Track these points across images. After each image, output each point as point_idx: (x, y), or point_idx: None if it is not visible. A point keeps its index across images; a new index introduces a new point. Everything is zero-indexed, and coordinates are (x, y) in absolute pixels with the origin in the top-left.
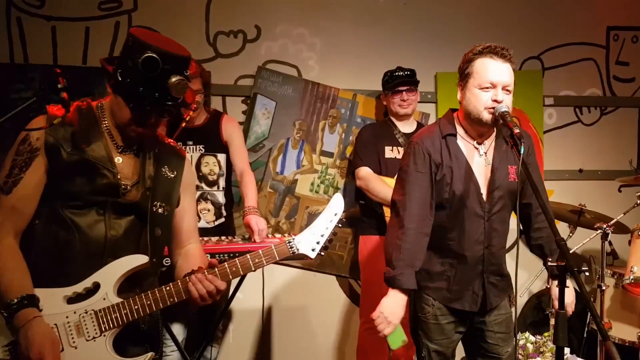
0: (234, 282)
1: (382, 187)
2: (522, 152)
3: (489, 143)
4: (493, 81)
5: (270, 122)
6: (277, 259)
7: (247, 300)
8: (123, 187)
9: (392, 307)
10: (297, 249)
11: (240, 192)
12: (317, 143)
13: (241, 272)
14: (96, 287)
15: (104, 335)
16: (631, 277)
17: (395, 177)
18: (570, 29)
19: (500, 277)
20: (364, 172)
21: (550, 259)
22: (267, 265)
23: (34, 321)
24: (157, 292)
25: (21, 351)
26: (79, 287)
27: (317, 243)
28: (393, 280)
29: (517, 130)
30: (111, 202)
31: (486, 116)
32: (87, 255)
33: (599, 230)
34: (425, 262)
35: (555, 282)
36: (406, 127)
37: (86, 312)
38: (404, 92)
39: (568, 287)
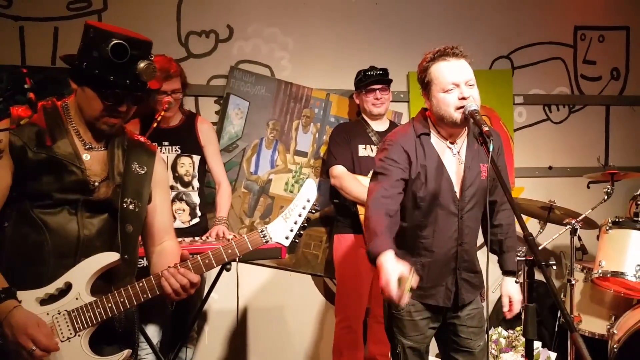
0: (208, 282)
1: (356, 185)
2: (491, 149)
3: (461, 142)
4: (454, 81)
5: (243, 122)
6: (251, 248)
7: (222, 301)
8: (92, 183)
9: (385, 270)
10: (271, 238)
11: (215, 200)
12: (291, 143)
13: (214, 264)
14: (68, 287)
15: (79, 335)
16: (599, 271)
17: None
18: (539, 28)
19: (473, 274)
20: (338, 170)
21: (504, 256)
22: (241, 256)
23: (15, 310)
24: (130, 289)
25: (9, 342)
26: (51, 288)
27: (291, 230)
28: (369, 255)
29: (486, 129)
30: (82, 200)
31: (457, 116)
32: (59, 256)
33: (568, 226)
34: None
35: (507, 279)
36: (379, 125)
37: (59, 313)
38: (377, 91)
39: (518, 282)
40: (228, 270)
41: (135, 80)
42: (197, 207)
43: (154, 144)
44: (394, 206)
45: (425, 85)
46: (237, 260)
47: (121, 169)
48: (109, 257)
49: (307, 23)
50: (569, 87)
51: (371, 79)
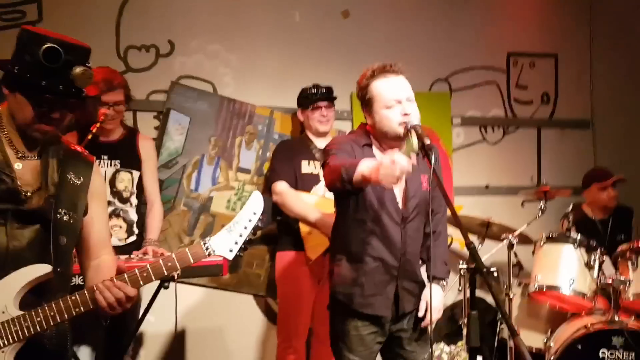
0: (144, 303)
1: (299, 202)
2: (433, 161)
3: None
4: (396, 98)
5: (184, 138)
6: (192, 262)
7: (159, 323)
8: (23, 193)
9: (375, 165)
10: (214, 250)
11: (145, 221)
12: (234, 159)
13: (153, 278)
14: None
15: (3, 352)
16: (536, 285)
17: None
18: (474, 53)
19: (415, 283)
20: (281, 187)
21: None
22: (180, 271)
23: None
24: (61, 302)
25: None
26: None
27: (235, 243)
28: (347, 176)
29: (428, 142)
30: (12, 210)
31: (401, 131)
32: None
33: (506, 240)
34: (343, 267)
35: (428, 285)
36: (324, 143)
37: None
38: (323, 108)
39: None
40: (166, 288)
41: (69, 86)
42: (135, 225)
43: (91, 155)
44: None
45: (367, 102)
46: (176, 278)
47: (55, 179)
48: (40, 270)
49: (252, 41)
50: (503, 110)
51: (318, 96)
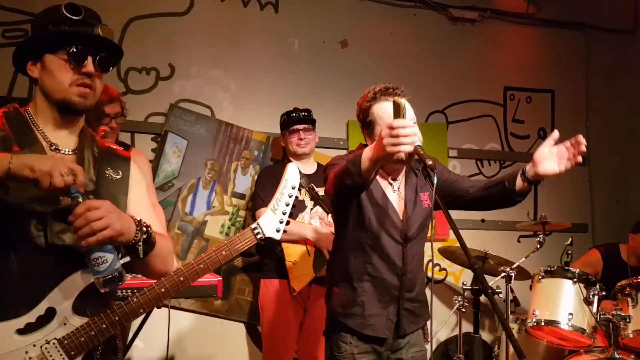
0: (133, 327)
1: (290, 224)
2: (435, 182)
3: (401, 178)
4: None
5: (181, 161)
6: (245, 247)
7: (148, 349)
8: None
9: (379, 141)
10: (264, 233)
11: None
12: (229, 184)
13: (210, 269)
14: (51, 313)
15: None
16: (534, 320)
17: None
18: (471, 87)
19: (417, 303)
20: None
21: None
22: (234, 257)
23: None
24: (124, 306)
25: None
26: (31, 317)
27: (280, 222)
28: (358, 161)
29: (429, 162)
30: (52, 212)
31: (402, 155)
32: (26, 276)
33: (503, 273)
34: (344, 287)
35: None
36: (306, 168)
37: (48, 343)
38: (301, 131)
39: None
40: (159, 307)
41: (96, 37)
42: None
43: (126, 151)
44: None
45: (368, 124)
46: (169, 305)
47: (93, 176)
48: (91, 275)
49: (251, 67)
50: (500, 144)
51: (294, 119)
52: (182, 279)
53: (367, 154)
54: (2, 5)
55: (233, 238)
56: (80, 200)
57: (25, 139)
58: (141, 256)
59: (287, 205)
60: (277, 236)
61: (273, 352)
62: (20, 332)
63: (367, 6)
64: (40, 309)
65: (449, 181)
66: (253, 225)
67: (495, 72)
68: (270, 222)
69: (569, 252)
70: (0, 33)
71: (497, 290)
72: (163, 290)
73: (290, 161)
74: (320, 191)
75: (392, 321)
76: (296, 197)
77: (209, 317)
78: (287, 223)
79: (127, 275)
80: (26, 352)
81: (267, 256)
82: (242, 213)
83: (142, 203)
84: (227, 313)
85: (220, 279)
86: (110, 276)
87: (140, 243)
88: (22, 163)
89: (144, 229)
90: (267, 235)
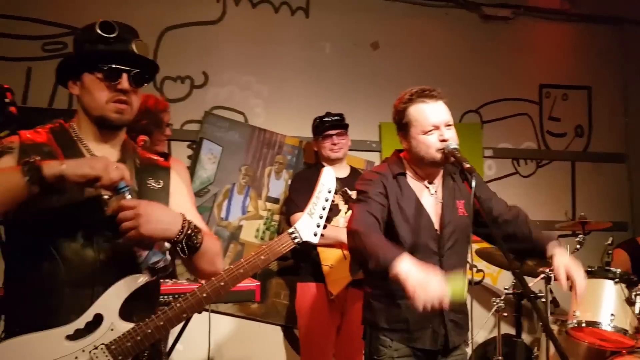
0: (174, 330)
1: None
2: (473, 185)
3: (438, 182)
4: (434, 123)
5: (216, 167)
6: (283, 252)
7: (188, 352)
8: (105, 196)
9: (414, 274)
10: (302, 238)
11: None
12: (263, 189)
13: (250, 273)
14: (98, 319)
15: None
16: (574, 321)
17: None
18: (506, 85)
19: (461, 315)
20: (299, 217)
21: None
22: (273, 261)
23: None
24: (168, 311)
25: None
26: (80, 323)
27: (318, 226)
28: (382, 266)
29: (467, 165)
30: (98, 223)
31: (439, 157)
32: (74, 286)
33: (543, 275)
34: (384, 303)
35: (557, 250)
36: (339, 171)
37: (96, 348)
38: (334, 137)
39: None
40: (200, 312)
41: (130, 54)
42: (167, 252)
43: (166, 161)
44: (379, 226)
45: (403, 126)
46: (210, 309)
47: (135, 186)
48: (138, 280)
49: (282, 72)
50: (536, 142)
51: (327, 124)
52: (222, 283)
53: (402, 269)
54: (41, 19)
55: (271, 243)
56: (128, 195)
57: (71, 153)
58: (183, 255)
59: (323, 209)
60: (315, 240)
61: (311, 356)
62: (70, 338)
63: (398, 7)
64: (88, 315)
65: (483, 199)
66: (290, 230)
67: (530, 70)
68: (307, 226)
69: (610, 252)
70: (40, 46)
71: (539, 295)
72: (205, 295)
73: (323, 165)
74: (354, 195)
75: (439, 333)
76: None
77: (245, 320)
78: (325, 227)
79: (168, 280)
80: (75, 358)
81: (303, 260)
82: (277, 217)
83: (184, 208)
84: (264, 316)
85: (259, 283)
86: (152, 267)
87: (182, 244)
88: (77, 164)
89: (189, 231)
90: (304, 239)
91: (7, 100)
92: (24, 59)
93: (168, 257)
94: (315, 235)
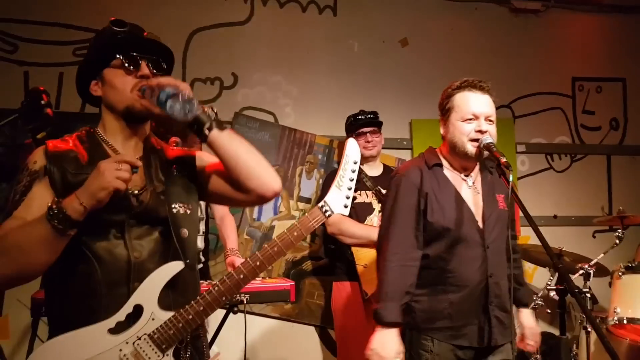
0: (210, 332)
1: (357, 227)
2: (510, 179)
3: (475, 174)
4: (475, 112)
5: None
6: (315, 226)
7: (225, 354)
8: (131, 192)
9: (381, 342)
10: (332, 210)
11: (220, 236)
12: (295, 189)
13: (284, 251)
14: (139, 310)
15: (167, 355)
16: (615, 318)
17: (381, 214)
18: (538, 79)
19: (505, 313)
20: (333, 217)
21: (522, 289)
22: (305, 237)
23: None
24: (207, 295)
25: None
26: (121, 316)
27: (347, 198)
28: (376, 315)
29: (504, 159)
30: (128, 220)
31: (470, 149)
32: (110, 285)
33: (581, 271)
34: (425, 302)
35: (525, 311)
36: (373, 170)
37: (139, 339)
38: (368, 134)
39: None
40: (235, 313)
41: (144, 40)
42: (201, 253)
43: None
44: (415, 254)
45: (445, 111)
46: (245, 310)
47: (161, 177)
48: (174, 268)
49: (311, 71)
50: (570, 137)
51: (361, 122)
52: (258, 263)
53: (380, 309)
54: (72, 24)
55: (303, 218)
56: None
57: (97, 155)
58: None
59: (351, 180)
60: (345, 212)
61: (348, 356)
62: (112, 331)
63: (426, 3)
64: (128, 307)
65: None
66: (320, 204)
67: (562, 63)
68: (336, 198)
69: None
70: (71, 51)
71: (584, 290)
72: (242, 276)
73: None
74: None
75: (484, 329)
76: (363, 201)
77: (279, 321)
78: (354, 199)
79: (203, 281)
80: (120, 350)
81: (338, 259)
82: None
83: (212, 160)
84: (298, 317)
85: (293, 283)
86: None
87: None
88: (90, 194)
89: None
90: (335, 212)
91: (43, 102)
92: (56, 64)
93: (202, 257)
94: (345, 207)
